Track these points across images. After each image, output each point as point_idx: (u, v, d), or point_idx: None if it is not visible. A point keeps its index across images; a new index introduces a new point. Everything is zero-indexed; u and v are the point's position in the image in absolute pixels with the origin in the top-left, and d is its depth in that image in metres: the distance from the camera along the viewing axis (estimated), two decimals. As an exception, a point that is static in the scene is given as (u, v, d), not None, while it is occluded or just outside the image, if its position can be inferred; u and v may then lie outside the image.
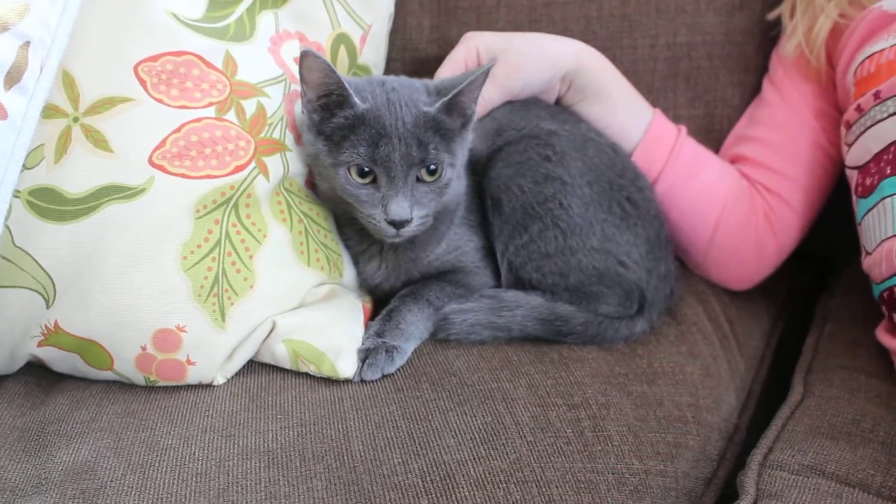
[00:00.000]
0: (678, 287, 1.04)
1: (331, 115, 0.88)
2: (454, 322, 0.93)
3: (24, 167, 0.80)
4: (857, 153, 0.94)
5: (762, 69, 1.16)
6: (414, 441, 0.77)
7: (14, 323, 0.84)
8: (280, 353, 0.88)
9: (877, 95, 0.91)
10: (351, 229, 0.99)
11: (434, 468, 0.74)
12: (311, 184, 0.98)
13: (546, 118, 1.02)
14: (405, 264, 0.98)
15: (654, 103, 1.11)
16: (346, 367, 0.86)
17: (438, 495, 0.71)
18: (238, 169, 0.87)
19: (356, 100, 0.86)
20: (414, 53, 1.21)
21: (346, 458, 0.76)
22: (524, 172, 0.95)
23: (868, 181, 0.92)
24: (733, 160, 1.13)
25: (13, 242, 0.81)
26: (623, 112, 1.07)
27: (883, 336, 0.92)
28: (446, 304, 0.95)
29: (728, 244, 1.09)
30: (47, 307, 0.83)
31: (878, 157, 0.91)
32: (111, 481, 0.74)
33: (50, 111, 0.82)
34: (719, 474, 0.86)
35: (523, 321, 0.92)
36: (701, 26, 1.16)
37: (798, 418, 0.87)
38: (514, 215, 0.95)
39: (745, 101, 1.17)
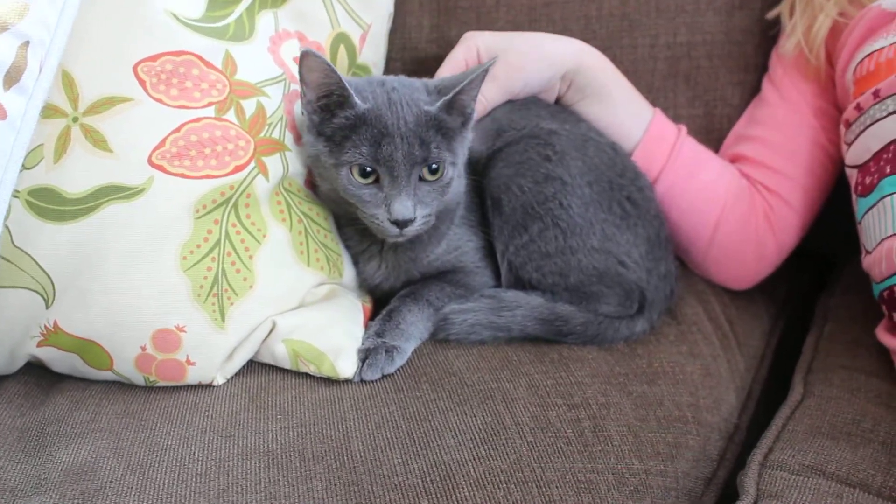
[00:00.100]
0: (678, 287, 1.04)
1: (331, 115, 0.88)
2: (454, 322, 0.93)
3: (24, 167, 0.80)
4: (857, 152, 0.94)
5: (762, 68, 1.16)
6: (414, 441, 0.77)
7: (13, 323, 0.84)
8: (280, 353, 0.88)
9: (876, 94, 0.91)
10: (351, 229, 0.99)
11: (434, 468, 0.74)
12: (311, 184, 0.98)
13: (546, 118, 1.02)
14: (405, 264, 0.98)
15: (654, 103, 1.11)
16: (346, 367, 0.86)
17: (438, 495, 0.71)
18: (238, 169, 0.87)
19: (357, 100, 0.86)
20: (413, 53, 1.21)
21: (346, 458, 0.75)
22: (524, 172, 0.95)
23: (868, 180, 0.92)
24: (733, 159, 1.13)
25: (12, 242, 0.81)
26: (623, 111, 1.07)
27: (883, 335, 0.92)
28: (446, 304, 0.95)
29: (728, 243, 1.09)
30: (47, 307, 0.83)
31: (877, 155, 0.91)
32: (111, 482, 0.74)
33: (49, 111, 0.82)
34: (719, 474, 0.86)
35: (523, 321, 0.92)
36: (701, 26, 1.16)
37: (798, 418, 0.87)
38: (514, 215, 0.95)
39: (745, 101, 1.17)
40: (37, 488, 0.74)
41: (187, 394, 0.86)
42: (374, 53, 1.12)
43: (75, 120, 0.83)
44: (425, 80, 0.95)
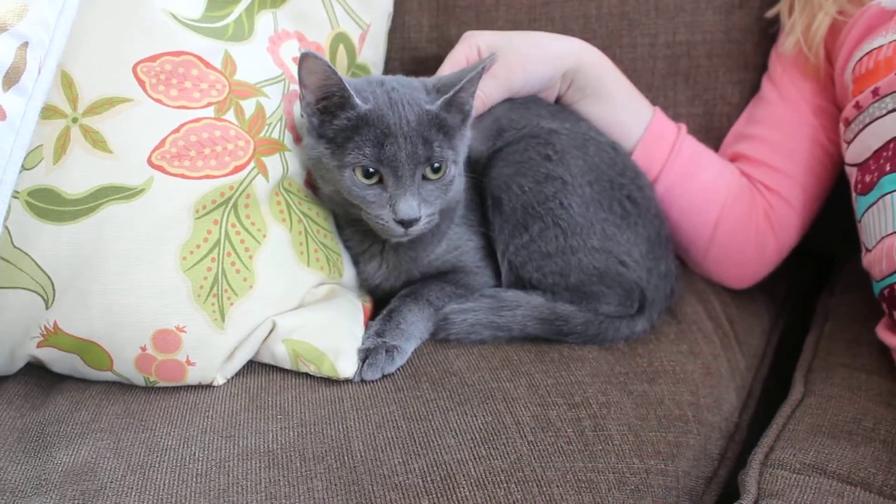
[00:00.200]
0: (678, 286, 1.04)
1: (332, 117, 0.88)
2: (454, 322, 0.93)
3: (23, 168, 0.80)
4: (857, 150, 0.94)
5: (761, 67, 1.16)
6: (414, 441, 0.77)
7: (13, 324, 0.84)
8: (280, 354, 0.88)
9: (875, 92, 0.91)
10: (351, 230, 0.99)
11: (434, 468, 0.74)
12: (311, 184, 0.98)
13: (546, 117, 1.02)
14: (406, 264, 0.98)
15: (653, 102, 1.11)
16: (347, 366, 0.86)
17: (439, 495, 0.71)
18: (237, 169, 0.87)
19: (358, 100, 0.86)
20: (413, 53, 1.21)
21: (346, 458, 0.75)
22: (525, 172, 0.95)
23: (868, 178, 0.92)
24: (733, 159, 1.13)
25: (12, 243, 0.81)
26: (623, 110, 1.07)
27: (883, 334, 0.92)
28: (446, 303, 0.94)
29: (728, 242, 1.09)
30: (46, 308, 0.83)
31: (877, 153, 0.91)
32: (111, 482, 0.74)
33: (49, 112, 0.82)
34: (720, 473, 0.86)
35: (524, 321, 0.92)
36: (700, 25, 1.16)
37: (799, 417, 0.87)
38: (514, 215, 0.95)
39: (745, 100, 1.17)
40: (37, 488, 0.74)
41: (187, 394, 0.86)
42: (373, 53, 1.12)
43: (75, 120, 0.83)
44: (422, 78, 0.94)
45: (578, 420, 0.81)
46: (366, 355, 0.87)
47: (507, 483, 0.73)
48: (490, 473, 0.73)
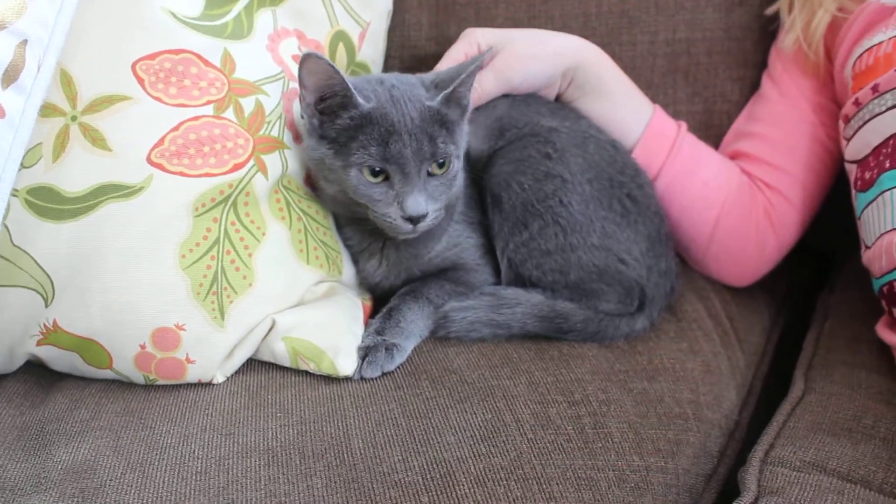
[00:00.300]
0: (678, 284, 1.04)
1: (334, 117, 0.88)
2: (454, 320, 0.93)
3: (23, 166, 0.80)
4: (856, 147, 0.94)
5: (761, 65, 1.16)
6: (414, 439, 0.77)
7: (13, 322, 0.84)
8: (279, 351, 0.88)
9: (875, 89, 0.91)
10: (351, 228, 0.99)
11: (434, 466, 0.74)
12: (310, 182, 0.98)
13: (546, 115, 1.01)
14: (406, 261, 0.98)
15: (653, 99, 1.11)
16: (346, 364, 0.86)
17: (439, 493, 0.71)
18: (237, 167, 0.87)
19: (360, 99, 0.86)
20: (412, 51, 1.21)
21: (346, 455, 0.75)
22: (524, 170, 0.95)
23: (867, 175, 0.91)
24: (733, 156, 1.13)
25: (11, 241, 0.81)
26: (623, 108, 1.07)
27: (883, 331, 0.92)
28: (446, 301, 0.94)
29: (728, 240, 1.08)
30: (46, 306, 0.83)
31: (877, 150, 0.90)
32: (111, 480, 0.74)
33: (48, 110, 0.82)
34: (720, 471, 0.86)
35: (523, 318, 0.92)
36: (700, 22, 1.16)
37: (799, 415, 0.87)
38: (514, 212, 0.95)
39: (745, 97, 1.17)
40: (37, 486, 0.74)
41: (187, 392, 0.86)
42: (373, 51, 1.12)
43: (74, 119, 0.83)
44: (419, 75, 0.95)
45: (578, 417, 0.81)
46: (365, 353, 0.87)
47: (506, 480, 0.73)
48: (490, 471, 0.73)
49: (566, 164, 0.95)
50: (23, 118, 0.78)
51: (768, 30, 1.15)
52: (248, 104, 0.90)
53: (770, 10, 1.12)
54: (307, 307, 0.92)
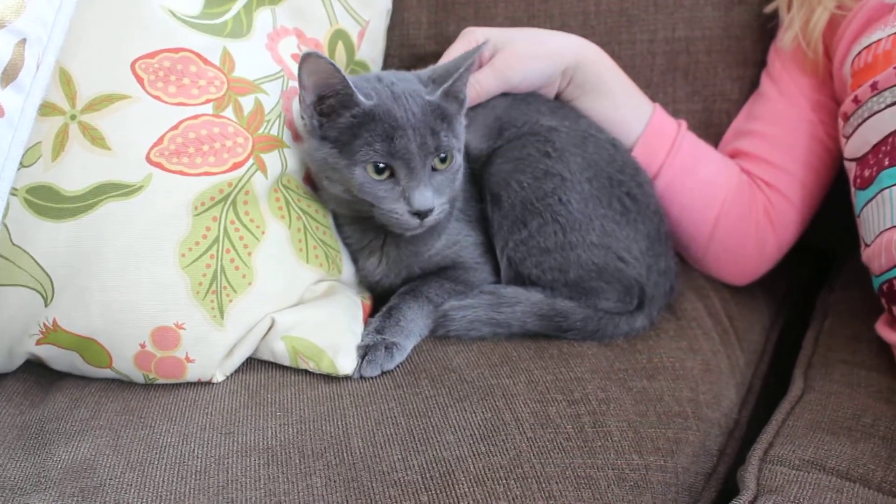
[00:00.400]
0: (678, 283, 1.04)
1: (336, 116, 0.88)
2: (454, 318, 0.93)
3: (22, 165, 0.80)
4: (856, 145, 0.94)
5: (761, 63, 1.16)
6: (413, 437, 0.77)
7: (12, 321, 0.84)
8: (279, 350, 0.88)
9: (874, 86, 0.90)
10: (351, 227, 0.99)
11: (434, 465, 0.74)
12: (310, 180, 0.98)
13: (546, 114, 1.01)
14: (406, 259, 0.98)
15: (652, 98, 1.11)
16: (346, 363, 0.86)
17: (438, 492, 0.71)
18: (236, 166, 0.87)
19: (361, 97, 0.86)
20: (412, 49, 1.21)
21: (345, 454, 0.75)
22: (523, 168, 0.95)
23: (867, 173, 0.91)
24: (732, 155, 1.13)
25: (11, 241, 0.81)
26: (623, 107, 1.07)
27: (883, 330, 0.92)
28: (446, 300, 0.94)
29: (728, 239, 1.08)
30: (45, 305, 0.83)
31: (876, 148, 0.90)
32: (110, 479, 0.74)
33: (47, 109, 0.82)
34: (719, 469, 0.86)
35: (523, 317, 0.92)
36: (699, 21, 1.16)
37: (798, 413, 0.87)
38: (513, 211, 0.95)
39: (744, 96, 1.17)
40: (36, 486, 0.74)
41: (186, 391, 0.86)
42: (372, 50, 1.12)
43: (73, 118, 0.83)
44: (413, 71, 0.95)
45: (578, 416, 0.81)
46: (365, 352, 0.87)
47: (506, 479, 0.73)
48: (489, 470, 0.73)
49: (565, 162, 0.95)
50: (22, 117, 0.78)
51: (767, 27, 1.15)
52: (247, 103, 0.90)
53: (769, 9, 1.12)
54: (307, 306, 0.92)
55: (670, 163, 1.07)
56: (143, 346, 0.84)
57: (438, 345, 0.92)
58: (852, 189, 0.96)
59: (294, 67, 0.98)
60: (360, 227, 0.98)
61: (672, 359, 0.92)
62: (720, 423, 0.90)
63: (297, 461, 0.75)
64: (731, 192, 1.07)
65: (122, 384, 0.88)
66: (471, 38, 1.01)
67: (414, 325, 0.92)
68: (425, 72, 0.94)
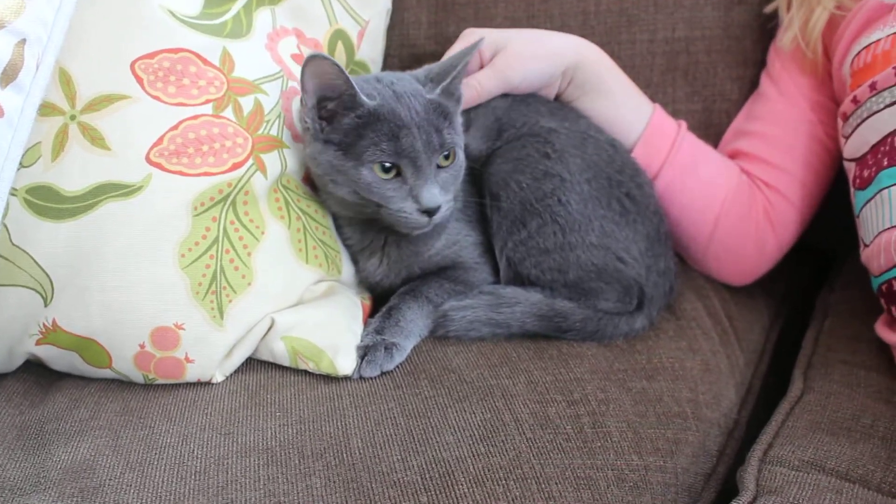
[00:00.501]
0: (678, 283, 1.04)
1: (340, 118, 0.88)
2: (453, 319, 0.93)
3: (21, 165, 0.80)
4: (855, 145, 0.94)
5: (761, 63, 1.16)
6: (413, 438, 0.77)
7: (12, 321, 0.84)
8: (279, 351, 0.88)
9: (873, 86, 0.90)
10: (351, 228, 0.99)
11: (433, 465, 0.74)
12: (309, 180, 0.98)
13: (546, 115, 1.01)
14: (407, 259, 0.98)
15: (652, 98, 1.10)
16: (345, 364, 0.86)
17: (438, 492, 0.71)
18: (236, 166, 0.87)
19: (364, 98, 0.86)
20: (411, 50, 1.21)
21: (345, 455, 0.75)
22: (523, 169, 0.95)
23: (866, 173, 0.91)
24: (732, 155, 1.13)
25: (11, 241, 0.81)
26: (623, 107, 1.07)
27: (882, 330, 0.92)
28: (445, 300, 0.94)
29: (728, 239, 1.08)
30: (45, 305, 0.83)
31: (875, 148, 0.90)
32: (110, 479, 0.74)
33: (47, 109, 0.82)
34: (719, 470, 0.86)
35: (522, 318, 0.92)
36: (699, 21, 1.16)
37: (798, 414, 0.87)
38: (512, 211, 0.95)
39: (744, 96, 1.17)
40: (36, 486, 0.74)
41: (186, 391, 0.86)
42: (371, 50, 1.12)
43: (73, 118, 0.83)
44: (409, 72, 0.95)
45: (577, 417, 0.81)
46: (365, 352, 0.87)
47: (505, 480, 0.73)
48: (489, 470, 0.73)
49: (565, 163, 0.95)
50: (21, 117, 0.78)
51: (767, 27, 1.15)
52: (246, 103, 0.90)
53: (769, 9, 1.12)
54: (306, 306, 0.92)
55: (670, 163, 1.07)
56: (142, 346, 0.84)
57: (438, 345, 0.92)
58: (851, 189, 0.96)
59: (294, 68, 0.98)
60: (361, 228, 0.98)
61: (671, 359, 0.92)
62: (720, 424, 0.90)
63: (297, 462, 0.75)
64: (731, 193, 1.07)
65: (122, 384, 0.88)
66: (471, 39, 1.01)
67: (413, 325, 0.92)
68: (420, 71, 0.95)
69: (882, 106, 0.89)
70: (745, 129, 1.13)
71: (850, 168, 0.96)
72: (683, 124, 1.10)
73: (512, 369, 0.86)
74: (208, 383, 0.88)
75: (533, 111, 1.02)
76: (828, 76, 1.05)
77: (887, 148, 0.88)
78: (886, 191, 0.88)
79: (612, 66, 1.07)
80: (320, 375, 0.87)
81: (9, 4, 0.76)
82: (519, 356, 0.89)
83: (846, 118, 0.95)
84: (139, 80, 0.85)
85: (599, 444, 0.79)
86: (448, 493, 0.71)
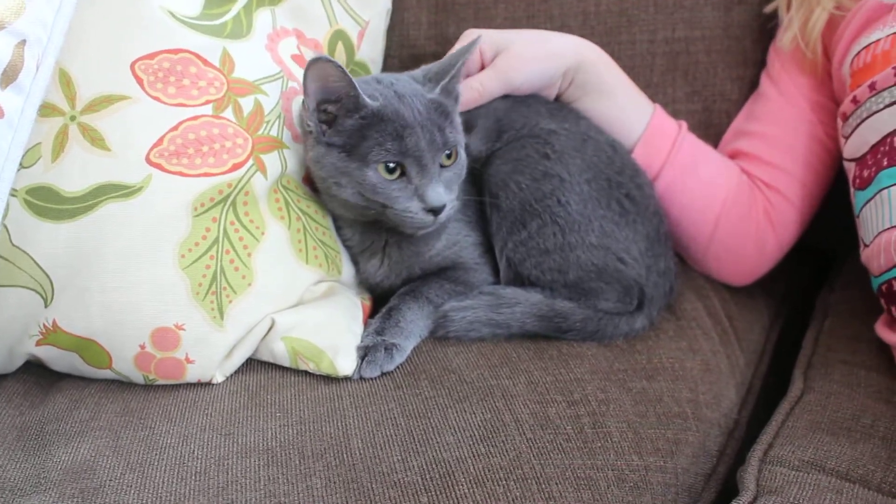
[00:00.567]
0: (678, 284, 1.04)
1: (343, 120, 0.88)
2: (453, 319, 0.93)
3: (22, 166, 0.80)
4: (855, 145, 0.94)
5: (761, 63, 1.16)
6: (413, 438, 0.77)
7: (12, 322, 0.84)
8: (279, 351, 0.88)
9: (872, 87, 0.90)
10: (351, 229, 0.99)
11: (433, 465, 0.74)
12: (309, 181, 0.98)
13: (545, 116, 1.01)
14: (407, 260, 0.98)
15: (652, 98, 1.10)
16: (346, 364, 0.86)
17: (438, 493, 0.71)
18: (236, 167, 0.87)
19: (366, 99, 0.86)
20: (411, 50, 1.21)
21: (345, 455, 0.75)
22: (522, 169, 0.95)
23: (865, 173, 0.91)
24: (732, 155, 1.13)
25: (11, 242, 0.81)
26: (624, 107, 1.07)
27: (882, 331, 0.92)
28: (446, 301, 0.94)
29: (728, 239, 1.08)
30: (45, 306, 0.83)
31: (875, 148, 0.90)
32: (110, 480, 0.74)
33: (47, 110, 0.82)
34: (719, 470, 0.86)
35: (522, 318, 0.92)
36: (699, 21, 1.16)
37: (798, 414, 0.87)
38: (512, 212, 0.95)
39: (744, 96, 1.17)
40: (36, 487, 0.74)
41: (186, 392, 0.86)
42: (372, 50, 1.12)
43: (73, 118, 0.83)
44: (407, 72, 0.96)
45: (577, 417, 0.81)
46: (365, 353, 0.87)
47: (505, 480, 0.73)
48: (489, 471, 0.73)
49: (564, 164, 0.96)
50: (22, 118, 0.78)
51: (766, 27, 1.15)
52: (246, 104, 0.90)
53: (768, 9, 1.12)
54: (306, 307, 0.92)
55: (671, 163, 1.07)
56: (142, 346, 0.84)
57: (438, 346, 0.92)
58: (851, 189, 0.96)
59: (294, 68, 0.98)
60: (362, 230, 0.98)
61: (672, 359, 0.92)
62: (720, 424, 0.90)
63: (297, 462, 0.75)
64: (732, 193, 1.07)
65: (122, 385, 0.88)
66: (476, 43, 1.01)
67: (414, 326, 0.92)
68: (418, 72, 0.95)
69: (882, 106, 0.89)
70: (745, 129, 1.13)
71: (850, 168, 0.96)
72: (684, 125, 1.10)
73: (512, 370, 0.86)
74: (209, 384, 0.88)
75: (533, 112, 1.02)
76: (827, 76, 1.05)
77: (887, 148, 0.88)
78: (886, 191, 0.88)
79: (612, 66, 1.07)
80: (320, 376, 0.87)
81: (9, 5, 0.76)
82: (519, 356, 0.89)
83: (846, 118, 0.95)
84: (139, 81, 0.85)
85: (600, 444, 0.79)
86: (448, 494, 0.71)
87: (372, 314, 0.96)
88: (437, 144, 0.88)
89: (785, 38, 1.07)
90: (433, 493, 0.71)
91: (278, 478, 0.73)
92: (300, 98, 0.96)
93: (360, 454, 0.75)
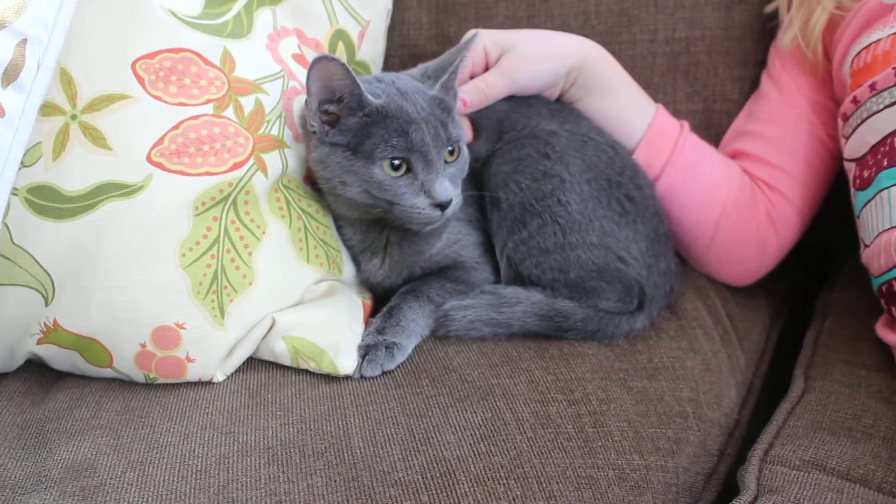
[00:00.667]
0: (678, 284, 1.04)
1: (346, 119, 0.88)
2: (454, 319, 0.93)
3: (23, 165, 0.80)
4: (855, 145, 0.94)
5: (761, 63, 1.16)
6: (414, 437, 0.77)
7: (13, 321, 0.84)
8: (280, 350, 0.88)
9: (873, 87, 0.90)
10: (352, 229, 0.99)
11: (434, 464, 0.74)
12: (310, 180, 0.98)
13: (546, 117, 1.01)
14: (408, 259, 0.98)
15: (653, 98, 1.10)
16: (346, 363, 0.86)
17: (438, 491, 0.71)
18: (236, 166, 0.87)
19: (370, 97, 0.86)
20: (412, 50, 1.21)
21: (346, 454, 0.75)
22: (522, 169, 0.95)
23: (866, 173, 0.91)
24: (733, 156, 1.13)
25: (12, 240, 0.81)
26: (627, 107, 1.07)
27: (882, 331, 0.92)
28: (446, 300, 0.95)
29: (730, 240, 1.08)
30: (46, 305, 0.83)
31: (875, 148, 0.90)
32: (111, 478, 0.74)
33: (48, 109, 0.82)
34: (720, 469, 0.86)
35: (523, 317, 0.92)
36: (700, 21, 1.16)
37: (799, 413, 0.87)
38: (512, 211, 0.95)
39: (745, 96, 1.17)
40: (37, 485, 0.74)
41: (187, 391, 0.86)
42: (372, 50, 1.12)
43: (74, 118, 0.83)
44: (405, 71, 0.96)
45: (578, 416, 0.81)
46: (366, 352, 0.87)
47: (506, 479, 0.73)
48: (490, 470, 0.74)
49: (565, 164, 0.96)
50: (23, 117, 0.78)
51: (767, 28, 1.15)
52: (247, 103, 0.90)
53: (769, 8, 1.12)
54: (307, 306, 0.92)
55: (673, 163, 1.07)
56: (143, 345, 0.84)
57: (439, 345, 0.92)
58: (852, 190, 0.96)
59: (294, 68, 0.98)
60: (363, 229, 0.98)
61: (672, 359, 0.92)
62: (720, 423, 0.90)
63: (298, 461, 0.75)
64: (733, 194, 1.07)
65: (123, 384, 0.88)
66: (476, 41, 1.01)
67: (415, 325, 0.92)
68: (416, 70, 0.95)
69: (882, 106, 0.89)
70: (746, 129, 1.13)
71: (851, 168, 0.96)
72: (686, 125, 1.10)
73: (513, 369, 0.86)
74: (209, 383, 0.88)
75: (534, 113, 1.02)
76: (828, 76, 1.05)
77: (887, 148, 0.88)
78: (886, 191, 0.88)
79: (615, 65, 1.07)
80: (321, 375, 0.88)
81: (10, 4, 0.76)
82: (520, 356, 0.89)
83: (846, 118, 0.95)
84: (140, 80, 0.85)
85: (600, 443, 0.79)
86: (449, 493, 0.71)
87: (373, 313, 0.96)
88: (441, 140, 0.88)
89: (785, 38, 1.07)
90: (434, 491, 0.71)
91: (279, 476, 0.73)
92: (301, 98, 0.96)
93: (361, 453, 0.75)
